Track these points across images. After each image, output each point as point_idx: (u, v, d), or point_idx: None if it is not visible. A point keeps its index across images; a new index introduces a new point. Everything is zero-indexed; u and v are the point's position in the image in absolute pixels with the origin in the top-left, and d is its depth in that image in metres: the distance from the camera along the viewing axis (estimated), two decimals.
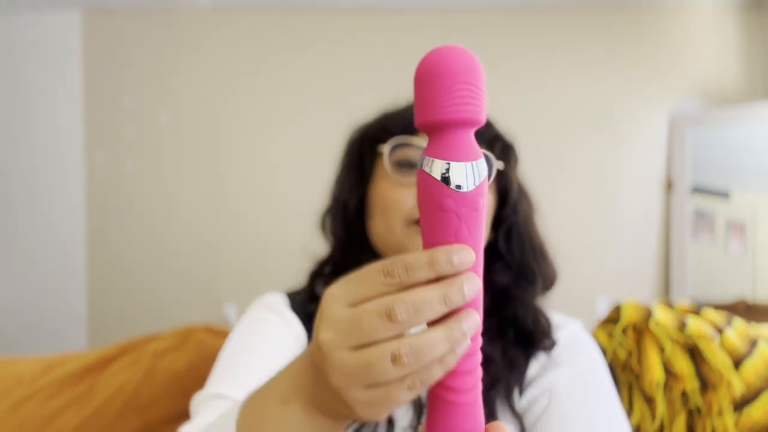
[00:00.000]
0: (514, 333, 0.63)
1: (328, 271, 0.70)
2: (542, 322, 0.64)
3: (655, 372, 0.83)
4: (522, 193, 0.68)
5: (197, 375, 0.85)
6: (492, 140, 0.65)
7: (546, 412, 0.56)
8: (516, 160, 0.67)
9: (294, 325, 0.63)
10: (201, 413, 0.53)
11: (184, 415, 0.84)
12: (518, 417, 0.57)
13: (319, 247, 0.75)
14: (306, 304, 0.66)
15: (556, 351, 0.62)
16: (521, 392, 0.60)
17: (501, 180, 0.64)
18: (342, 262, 0.68)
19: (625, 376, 0.86)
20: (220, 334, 0.91)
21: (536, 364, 0.62)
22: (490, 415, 0.57)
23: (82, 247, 2.38)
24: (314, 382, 0.34)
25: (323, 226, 0.72)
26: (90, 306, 2.38)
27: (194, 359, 0.86)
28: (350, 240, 0.67)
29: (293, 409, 0.35)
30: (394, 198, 0.61)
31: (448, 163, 0.33)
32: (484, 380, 0.48)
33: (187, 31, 2.41)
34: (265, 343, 0.60)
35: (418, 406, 0.58)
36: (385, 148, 0.62)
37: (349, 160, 0.69)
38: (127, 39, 2.40)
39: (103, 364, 0.89)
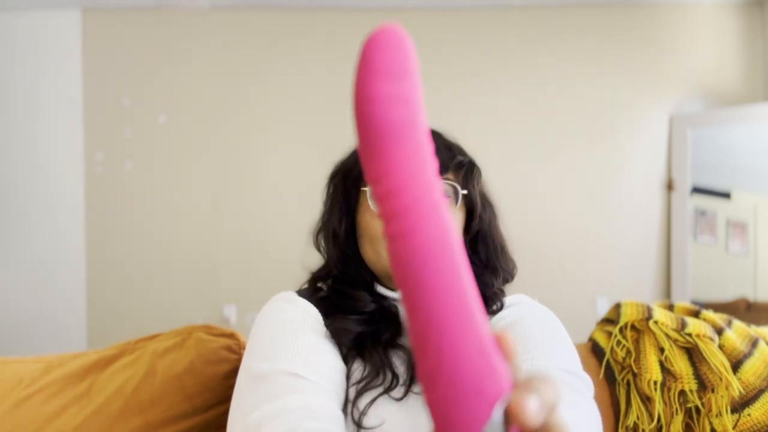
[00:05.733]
0: None
1: (328, 274, 0.77)
2: (498, 296, 0.76)
3: (653, 371, 0.83)
4: (486, 203, 0.77)
5: (197, 375, 0.85)
6: (457, 168, 0.73)
7: (507, 325, 0.69)
8: (479, 176, 0.75)
9: (308, 307, 0.70)
10: (285, 390, 0.56)
11: (184, 415, 0.84)
12: None
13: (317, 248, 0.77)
14: (312, 295, 0.74)
15: (510, 303, 0.75)
16: None
17: (467, 199, 0.73)
18: (341, 271, 0.75)
19: (624, 375, 0.86)
20: (220, 335, 0.91)
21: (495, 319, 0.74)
22: None
23: (82, 247, 2.38)
24: None
25: (317, 244, 0.78)
26: (90, 306, 2.38)
27: (194, 359, 0.86)
28: (344, 259, 0.75)
29: None
30: (377, 228, 0.70)
31: None
32: None
33: (187, 31, 2.41)
34: (297, 325, 0.66)
35: (410, 366, 0.67)
36: (367, 187, 0.70)
37: (335, 193, 0.77)
38: (126, 39, 2.41)
39: (103, 364, 0.89)
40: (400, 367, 0.67)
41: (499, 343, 0.27)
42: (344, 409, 0.63)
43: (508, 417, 0.25)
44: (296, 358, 0.60)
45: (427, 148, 0.27)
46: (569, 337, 0.70)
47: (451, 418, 0.25)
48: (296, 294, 0.74)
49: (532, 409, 0.25)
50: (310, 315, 0.68)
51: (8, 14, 2.38)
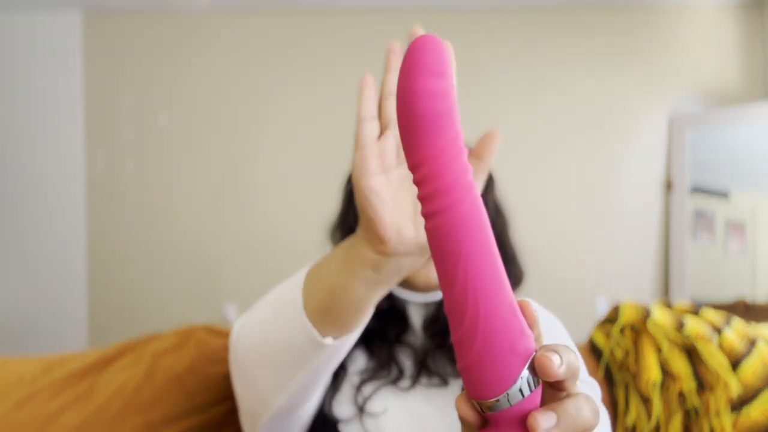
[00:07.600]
0: None
1: None
2: None
3: (652, 372, 0.83)
4: (498, 211, 0.78)
5: (198, 374, 0.85)
6: None
7: None
8: (493, 184, 0.75)
9: None
10: None
11: (185, 415, 0.84)
12: None
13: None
14: None
15: None
16: None
17: None
18: None
19: (622, 375, 0.86)
20: (220, 334, 0.91)
21: None
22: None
23: (83, 247, 2.38)
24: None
25: (333, 238, 0.79)
26: (90, 306, 2.38)
27: (194, 359, 0.86)
28: None
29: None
30: None
31: None
32: None
33: (188, 31, 2.41)
34: None
35: (417, 361, 0.69)
36: None
37: (353, 193, 0.77)
38: (127, 39, 2.41)
39: (103, 364, 0.89)
40: (407, 362, 0.70)
41: (523, 310, 0.30)
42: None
43: (535, 374, 0.28)
44: None
45: (461, 136, 0.29)
46: (572, 341, 0.70)
47: (486, 376, 0.28)
48: None
49: (556, 363, 0.27)
50: None
51: (8, 15, 2.38)
